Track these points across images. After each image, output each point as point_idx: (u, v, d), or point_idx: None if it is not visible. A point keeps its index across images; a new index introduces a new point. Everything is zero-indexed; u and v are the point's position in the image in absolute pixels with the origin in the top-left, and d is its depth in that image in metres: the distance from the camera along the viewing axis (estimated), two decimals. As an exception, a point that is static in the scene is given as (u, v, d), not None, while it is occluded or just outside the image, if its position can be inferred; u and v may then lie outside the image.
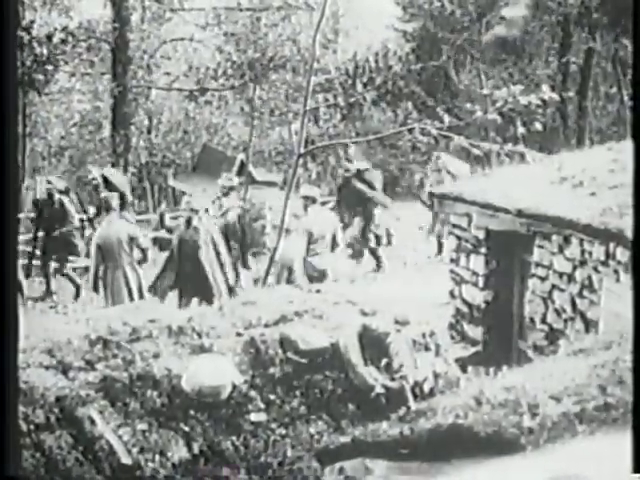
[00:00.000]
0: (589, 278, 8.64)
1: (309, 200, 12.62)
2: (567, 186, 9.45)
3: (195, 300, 11.81)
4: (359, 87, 18.43)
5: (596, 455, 5.66)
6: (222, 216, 12.70)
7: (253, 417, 7.97)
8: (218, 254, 11.86)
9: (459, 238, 10.53)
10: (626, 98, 18.34)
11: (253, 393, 8.09)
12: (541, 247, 9.26)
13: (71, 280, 13.86)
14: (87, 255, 14.35)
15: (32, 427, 7.46)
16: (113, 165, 17.95)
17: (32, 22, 17.06)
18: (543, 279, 9.29)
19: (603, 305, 8.47)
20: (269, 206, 15.65)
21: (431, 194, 11.98)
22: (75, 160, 19.26)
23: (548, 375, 6.67)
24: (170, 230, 12.29)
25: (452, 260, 10.75)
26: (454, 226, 10.61)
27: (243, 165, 17.11)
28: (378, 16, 19.63)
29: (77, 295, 13.73)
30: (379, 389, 8.14)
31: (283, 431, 7.92)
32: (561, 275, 9.03)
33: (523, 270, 9.81)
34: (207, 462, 7.66)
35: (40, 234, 14.08)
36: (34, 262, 14.13)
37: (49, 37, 17.13)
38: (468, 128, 12.29)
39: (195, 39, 19.13)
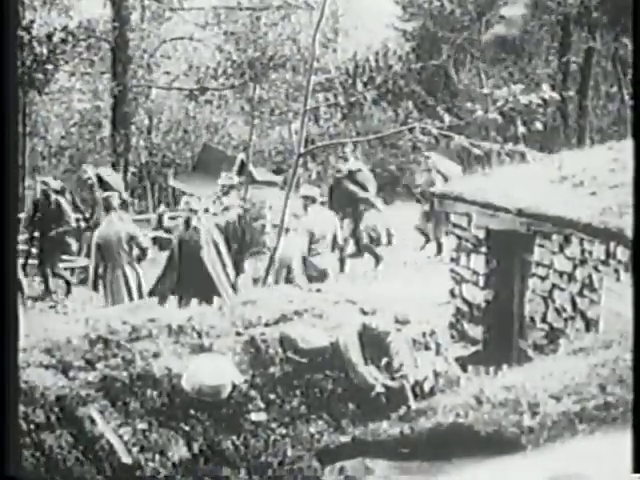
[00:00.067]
0: (589, 277, 8.64)
1: (309, 200, 12.63)
2: (567, 185, 9.45)
3: (195, 299, 11.81)
4: (359, 86, 18.42)
5: (596, 454, 5.66)
6: (222, 215, 12.70)
7: (253, 417, 7.97)
8: (219, 254, 11.86)
9: (459, 237, 10.54)
10: (626, 97, 18.34)
11: (253, 393, 8.09)
12: (541, 246, 9.26)
13: (62, 278, 13.89)
14: (81, 254, 14.42)
15: (32, 427, 7.46)
16: (113, 165, 17.94)
17: (32, 22, 17.07)
18: (543, 278, 9.29)
19: (603, 304, 8.47)
20: (269, 205, 15.65)
21: (432, 194, 11.98)
22: (75, 160, 19.25)
23: (548, 374, 6.67)
24: (169, 231, 12.29)
25: (452, 259, 10.75)
26: (454, 225, 10.61)
27: (243, 164, 17.11)
28: (378, 15, 19.63)
29: (68, 292, 13.74)
30: (379, 388, 8.14)
31: (283, 431, 7.91)
32: (561, 274, 9.03)
33: (523, 269, 9.81)
34: (207, 462, 7.66)
35: (36, 234, 14.10)
36: (33, 262, 14.14)
37: (49, 37, 17.13)
38: (468, 127, 12.28)
39: (195, 38, 19.13)
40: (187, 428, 7.76)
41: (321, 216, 12.72)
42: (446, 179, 14.29)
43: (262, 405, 8.04)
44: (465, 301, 10.46)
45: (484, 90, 13.34)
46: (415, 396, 8.19)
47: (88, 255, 13.95)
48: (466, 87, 18.80)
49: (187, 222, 11.73)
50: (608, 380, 6.27)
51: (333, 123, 18.94)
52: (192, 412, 7.84)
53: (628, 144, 8.17)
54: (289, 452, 7.77)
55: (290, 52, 17.79)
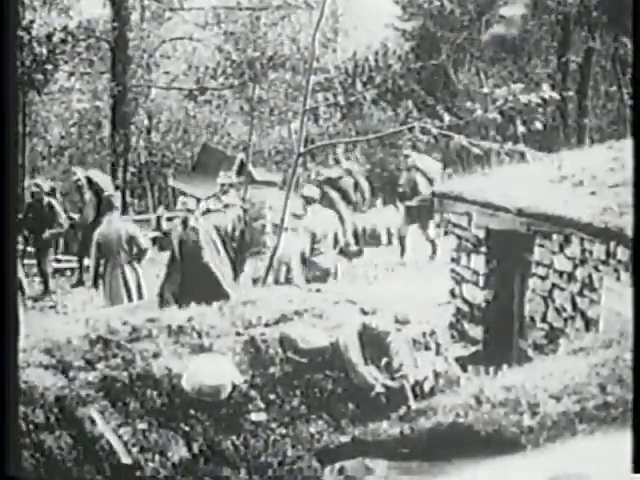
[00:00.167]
0: (589, 277, 8.64)
1: (309, 200, 12.65)
2: (567, 185, 9.45)
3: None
4: (359, 86, 18.40)
5: (596, 454, 5.66)
6: (222, 215, 12.70)
7: (253, 417, 7.97)
8: (219, 253, 11.85)
9: (459, 237, 10.53)
10: (626, 97, 18.32)
11: (253, 393, 8.09)
12: (541, 246, 9.26)
13: (43, 275, 13.92)
14: (76, 254, 14.44)
15: (32, 427, 7.46)
16: (113, 165, 17.94)
17: (32, 22, 17.05)
18: (543, 278, 9.29)
19: (603, 304, 8.46)
20: (269, 205, 15.65)
21: (432, 193, 11.97)
22: (75, 160, 19.24)
23: (548, 374, 6.67)
24: (167, 233, 12.29)
25: (452, 259, 10.75)
26: (454, 225, 10.61)
27: (243, 164, 17.10)
28: (377, 15, 19.61)
29: (45, 291, 13.75)
30: (379, 388, 8.14)
31: (283, 431, 7.91)
32: (561, 274, 9.02)
33: (523, 269, 9.81)
34: (207, 462, 7.66)
35: (31, 234, 14.14)
36: (31, 262, 14.16)
37: (49, 37, 17.11)
38: (468, 127, 12.27)
39: (195, 38, 19.11)
40: (187, 428, 7.76)
41: (322, 216, 12.73)
42: (428, 178, 14.31)
43: (262, 405, 8.04)
44: (465, 301, 10.45)
45: (484, 89, 13.32)
46: (415, 396, 8.19)
47: (80, 255, 14.02)
48: (466, 87, 18.79)
49: (184, 222, 11.74)
50: (608, 380, 6.28)
51: (333, 123, 18.93)
52: (192, 412, 7.84)
53: (628, 143, 8.17)
54: (289, 452, 7.77)
55: (290, 52, 17.77)
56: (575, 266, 8.82)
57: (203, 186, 16.11)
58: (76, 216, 14.89)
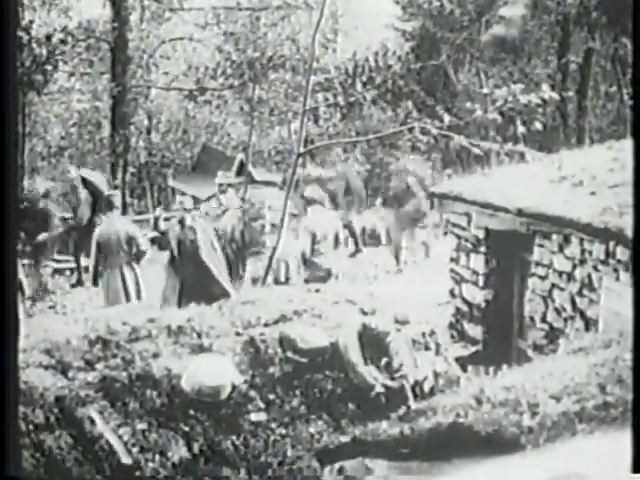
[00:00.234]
0: (589, 277, 8.64)
1: (310, 201, 12.66)
2: (567, 185, 9.46)
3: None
4: (359, 86, 18.41)
5: (596, 454, 5.66)
6: (221, 215, 12.71)
7: (253, 417, 7.97)
8: (216, 251, 11.85)
9: (459, 237, 10.53)
10: (626, 97, 18.32)
11: (253, 393, 8.09)
12: (541, 246, 9.26)
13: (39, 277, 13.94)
14: (72, 254, 14.44)
15: (32, 427, 7.46)
16: (113, 165, 17.95)
17: (31, 22, 17.05)
18: (543, 278, 9.29)
19: (603, 304, 8.46)
20: (268, 206, 15.65)
21: (432, 194, 11.97)
22: (75, 160, 19.24)
23: (548, 374, 6.67)
24: (164, 233, 12.28)
25: (452, 259, 10.75)
26: (454, 225, 10.61)
27: (243, 165, 17.11)
28: (377, 16, 19.61)
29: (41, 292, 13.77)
30: (379, 388, 8.14)
31: (283, 431, 7.91)
32: (561, 274, 9.02)
33: (523, 269, 9.81)
34: (207, 462, 7.65)
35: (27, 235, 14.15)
36: (29, 261, 14.16)
37: (48, 37, 17.11)
38: (468, 127, 12.28)
39: (194, 39, 19.11)
40: (187, 428, 7.76)
41: (322, 216, 12.74)
42: (419, 179, 14.32)
43: (262, 405, 8.04)
44: (465, 301, 10.46)
45: (483, 90, 13.33)
46: (415, 396, 8.18)
47: (76, 255, 14.03)
48: (465, 87, 18.79)
49: (181, 222, 11.74)
50: (607, 380, 6.27)
51: (332, 123, 18.93)
52: (192, 412, 7.83)
53: (627, 144, 8.17)
54: (289, 452, 7.76)
55: (289, 52, 17.77)
56: (574, 266, 8.82)
57: (203, 186, 16.12)
58: (71, 216, 14.89)
